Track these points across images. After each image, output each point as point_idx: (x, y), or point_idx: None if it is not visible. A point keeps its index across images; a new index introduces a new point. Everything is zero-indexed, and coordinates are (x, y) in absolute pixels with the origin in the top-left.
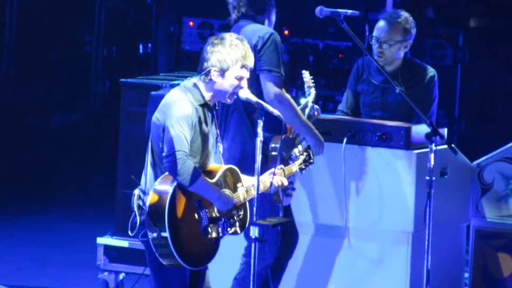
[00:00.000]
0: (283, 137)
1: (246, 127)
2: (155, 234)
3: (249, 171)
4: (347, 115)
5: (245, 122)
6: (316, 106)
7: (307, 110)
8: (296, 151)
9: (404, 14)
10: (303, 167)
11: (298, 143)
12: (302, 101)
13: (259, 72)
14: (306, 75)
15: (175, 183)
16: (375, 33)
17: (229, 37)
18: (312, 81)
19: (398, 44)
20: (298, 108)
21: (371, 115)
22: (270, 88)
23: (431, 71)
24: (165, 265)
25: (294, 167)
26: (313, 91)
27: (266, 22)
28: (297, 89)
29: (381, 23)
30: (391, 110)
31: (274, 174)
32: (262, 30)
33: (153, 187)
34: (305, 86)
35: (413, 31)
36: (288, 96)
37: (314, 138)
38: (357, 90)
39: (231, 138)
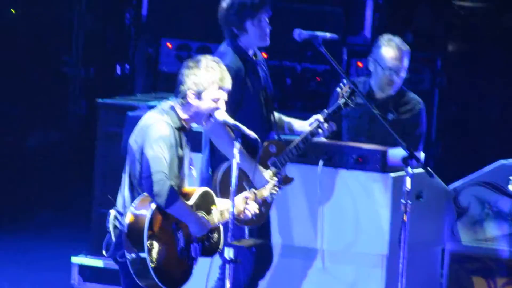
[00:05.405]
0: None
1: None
2: (133, 255)
3: None
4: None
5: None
6: (325, 125)
7: (314, 124)
8: (266, 175)
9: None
10: (273, 191)
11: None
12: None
13: None
14: (344, 88)
15: (152, 205)
16: (391, 64)
17: (205, 59)
18: (347, 94)
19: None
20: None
21: (357, 141)
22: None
23: (420, 103)
24: (141, 286)
25: (266, 191)
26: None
27: (241, 44)
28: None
29: (397, 53)
30: (379, 139)
31: (247, 198)
32: None
33: (131, 209)
34: (338, 95)
35: None
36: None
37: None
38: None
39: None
